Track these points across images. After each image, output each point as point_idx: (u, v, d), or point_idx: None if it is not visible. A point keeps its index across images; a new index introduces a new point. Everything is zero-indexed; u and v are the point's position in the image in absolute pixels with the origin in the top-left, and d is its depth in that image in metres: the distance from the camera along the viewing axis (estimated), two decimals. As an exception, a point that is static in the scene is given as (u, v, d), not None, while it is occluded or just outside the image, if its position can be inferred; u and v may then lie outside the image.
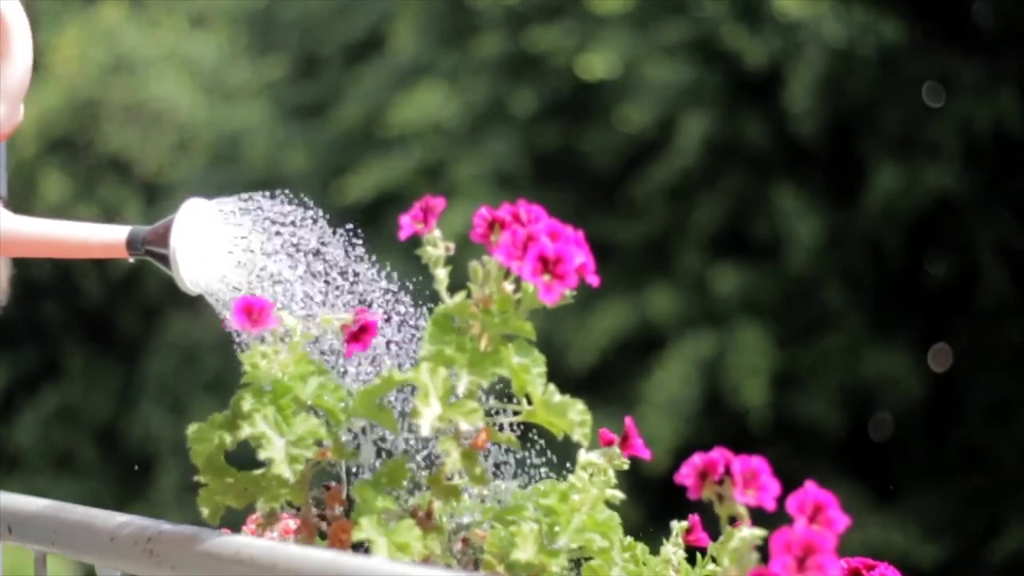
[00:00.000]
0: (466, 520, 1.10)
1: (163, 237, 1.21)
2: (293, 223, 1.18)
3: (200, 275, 1.20)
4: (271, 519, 1.10)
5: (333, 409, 1.08)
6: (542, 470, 1.14)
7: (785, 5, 7.23)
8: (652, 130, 7.50)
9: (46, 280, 10.28)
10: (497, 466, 1.12)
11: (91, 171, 10.48)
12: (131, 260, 1.24)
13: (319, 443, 1.07)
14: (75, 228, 1.26)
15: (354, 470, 1.12)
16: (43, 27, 11.16)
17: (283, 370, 1.08)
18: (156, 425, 9.57)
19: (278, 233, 1.18)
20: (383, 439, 1.12)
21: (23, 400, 10.02)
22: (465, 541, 1.11)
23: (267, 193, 1.20)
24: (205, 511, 1.08)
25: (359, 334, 1.15)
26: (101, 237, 1.25)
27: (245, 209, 1.20)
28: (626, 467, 1.12)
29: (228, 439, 1.06)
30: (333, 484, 1.11)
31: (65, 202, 10.28)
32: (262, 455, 1.04)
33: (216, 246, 1.19)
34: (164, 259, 1.21)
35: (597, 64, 7.53)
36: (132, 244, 1.23)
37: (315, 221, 1.18)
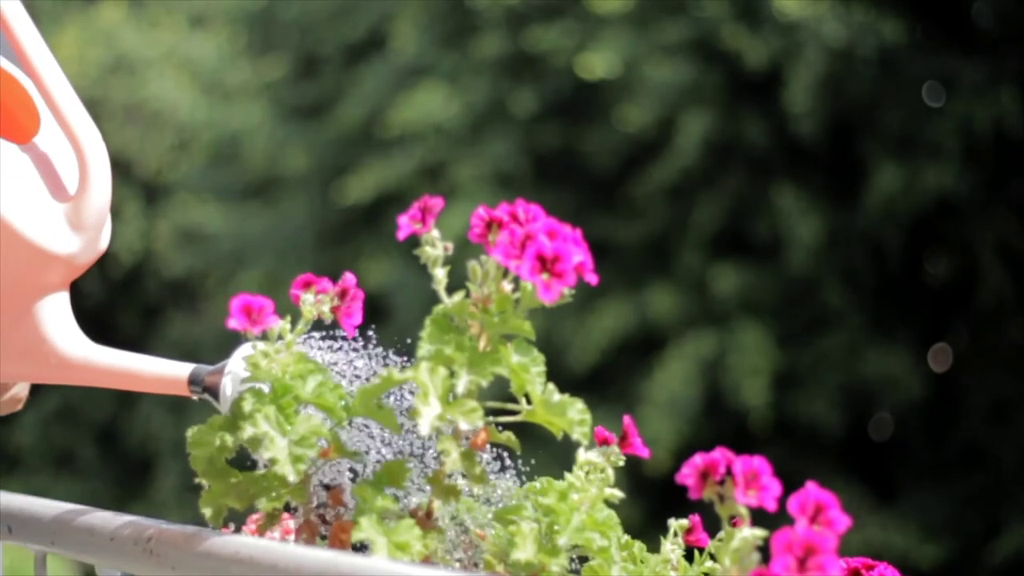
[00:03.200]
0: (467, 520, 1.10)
1: (219, 378, 1.22)
2: (351, 363, 1.18)
3: None
4: (273, 520, 1.10)
5: (333, 407, 1.08)
6: None
7: (785, 5, 7.23)
8: (652, 130, 7.50)
9: (46, 280, 10.25)
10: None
11: (91, 171, 10.48)
12: (195, 398, 1.25)
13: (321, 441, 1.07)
14: (143, 362, 1.27)
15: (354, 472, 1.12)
16: (43, 27, 11.14)
17: (283, 370, 1.08)
18: (156, 425, 9.58)
19: (339, 374, 1.18)
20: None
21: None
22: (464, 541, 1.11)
23: (327, 335, 1.20)
24: (207, 513, 1.08)
25: (348, 305, 1.15)
26: (166, 372, 1.26)
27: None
28: (622, 463, 1.12)
29: (229, 440, 1.07)
30: (335, 485, 1.11)
31: (65, 202, 10.28)
32: (265, 455, 1.05)
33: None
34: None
35: (597, 64, 7.53)
36: (193, 381, 1.24)
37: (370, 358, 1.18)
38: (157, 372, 1.26)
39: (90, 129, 1.25)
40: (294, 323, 1.11)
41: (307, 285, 1.14)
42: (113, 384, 1.27)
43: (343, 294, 1.15)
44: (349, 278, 1.15)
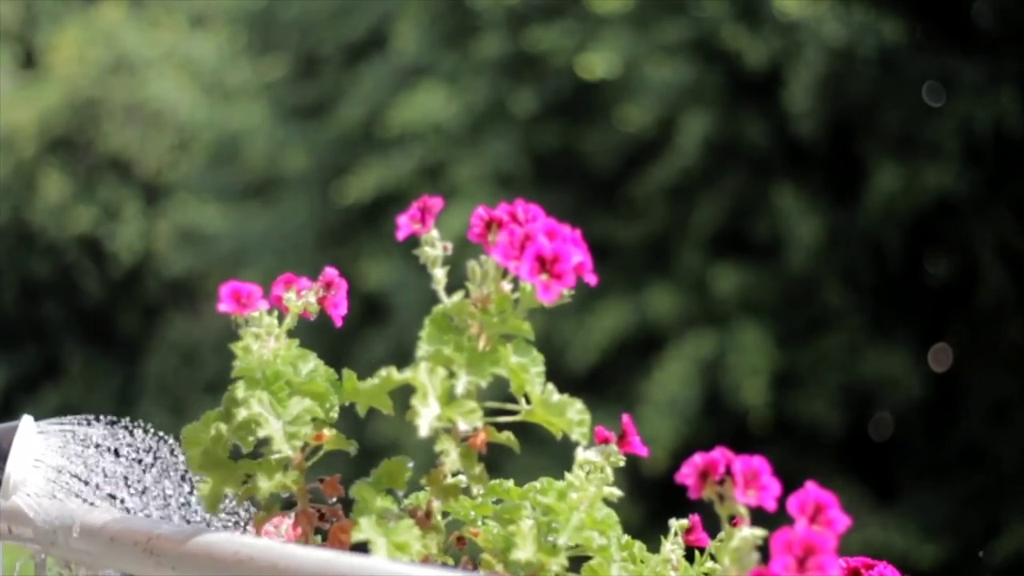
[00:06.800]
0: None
1: None
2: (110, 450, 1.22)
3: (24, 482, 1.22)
4: (270, 511, 1.10)
5: (324, 393, 1.08)
6: None
7: (785, 5, 7.23)
8: (652, 130, 7.50)
9: (46, 280, 10.28)
10: None
11: (91, 171, 10.49)
12: None
13: (316, 424, 1.08)
14: None
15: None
16: (43, 27, 11.16)
17: (274, 356, 1.08)
18: (156, 425, 9.55)
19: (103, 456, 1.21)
20: None
21: (23, 400, 10.02)
22: (461, 540, 1.11)
23: (88, 419, 1.25)
24: (205, 500, 1.08)
25: (334, 297, 1.16)
26: None
27: (66, 432, 1.23)
28: (622, 463, 1.12)
29: (224, 428, 1.07)
30: (328, 476, 1.12)
31: (65, 202, 10.29)
32: (260, 434, 1.05)
33: (35, 464, 1.22)
34: None
35: (597, 64, 7.53)
36: None
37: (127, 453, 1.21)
38: None
39: None
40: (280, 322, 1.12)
41: (288, 284, 1.15)
42: None
43: (328, 285, 1.16)
44: (331, 271, 1.17)
